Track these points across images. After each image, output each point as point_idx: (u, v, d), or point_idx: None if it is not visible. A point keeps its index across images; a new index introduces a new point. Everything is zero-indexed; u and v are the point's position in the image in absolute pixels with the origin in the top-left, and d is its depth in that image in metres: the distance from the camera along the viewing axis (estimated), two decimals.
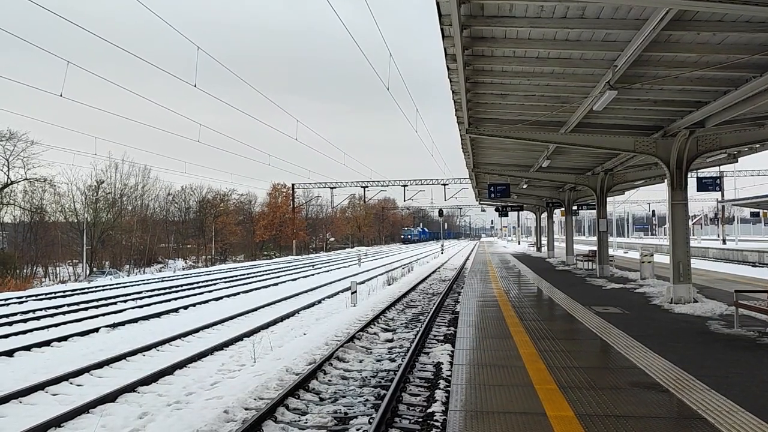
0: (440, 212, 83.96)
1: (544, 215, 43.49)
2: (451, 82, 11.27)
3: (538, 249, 48.13)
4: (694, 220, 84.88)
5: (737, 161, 19.49)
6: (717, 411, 5.56)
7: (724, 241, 57.88)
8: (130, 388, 9.22)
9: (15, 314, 18.93)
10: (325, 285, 27.59)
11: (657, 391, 6.32)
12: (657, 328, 10.28)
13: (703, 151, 13.61)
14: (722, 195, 58.35)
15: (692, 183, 17.32)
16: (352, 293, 19.25)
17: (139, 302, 21.88)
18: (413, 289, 24.00)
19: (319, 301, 20.87)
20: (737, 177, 64.71)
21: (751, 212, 76.41)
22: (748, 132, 13.41)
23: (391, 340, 12.99)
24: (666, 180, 13.79)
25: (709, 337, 9.44)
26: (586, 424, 5.29)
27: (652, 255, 20.30)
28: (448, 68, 10.30)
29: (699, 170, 25.13)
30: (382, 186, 75.82)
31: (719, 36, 8.53)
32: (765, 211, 68.23)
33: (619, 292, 16.32)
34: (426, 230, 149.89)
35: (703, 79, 10.36)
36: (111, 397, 8.72)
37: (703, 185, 21.08)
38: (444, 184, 71.68)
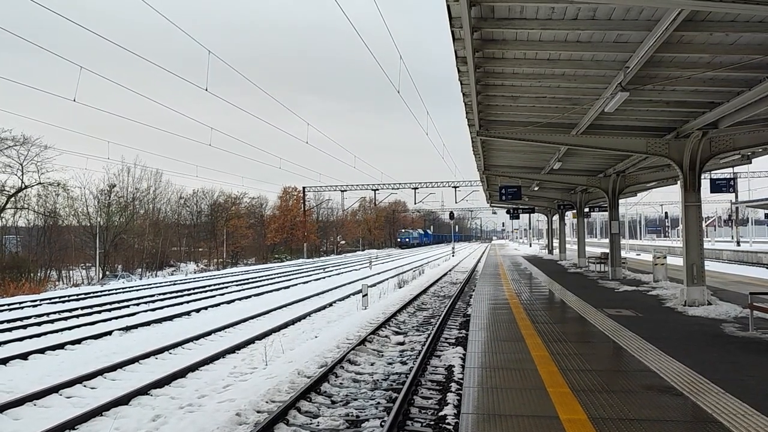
0: (451, 215, 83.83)
1: (556, 217, 43.31)
2: (461, 84, 11.27)
3: (550, 251, 47.90)
4: (707, 222, 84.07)
5: (751, 162, 19.33)
6: (732, 414, 5.51)
7: (738, 243, 57.24)
8: (144, 390, 9.27)
9: (29, 317, 19.11)
10: (336, 288, 27.62)
11: (671, 394, 6.27)
12: (670, 331, 10.21)
13: (716, 153, 13.52)
14: (736, 196, 57.74)
15: (705, 184, 17.16)
16: (363, 296, 19.26)
17: (152, 305, 22.00)
18: (424, 291, 23.96)
19: (330, 304, 20.89)
20: (751, 178, 64.10)
21: (765, 214, 75.56)
22: (763, 133, 13.29)
23: (402, 343, 12.98)
24: (679, 181, 13.70)
25: (723, 340, 9.36)
26: (599, 427, 5.26)
27: (665, 257, 20.16)
28: (459, 71, 10.29)
29: (712, 171, 24.92)
30: (392, 188, 75.83)
31: (732, 36, 8.47)
32: None
33: (632, 294, 16.21)
34: (429, 232, 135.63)
35: (716, 80, 10.29)
36: (124, 400, 8.78)
37: (717, 187, 20.86)
38: (455, 187, 71.57)
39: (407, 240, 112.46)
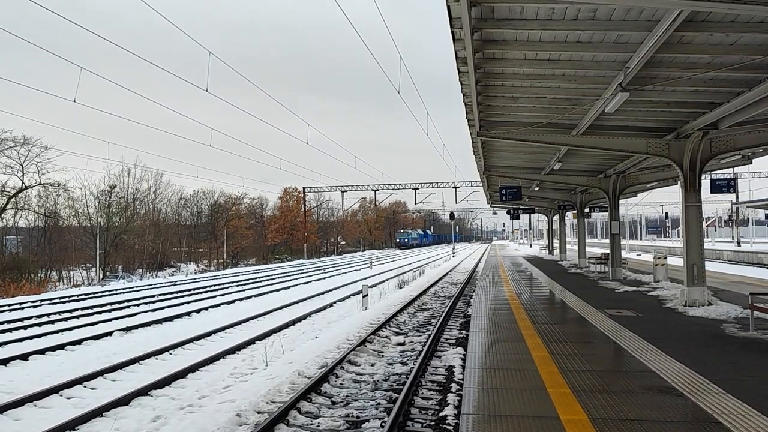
0: (451, 215, 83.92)
1: (556, 218, 43.30)
2: (461, 84, 11.27)
3: (550, 252, 47.89)
4: (707, 222, 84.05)
5: (751, 162, 19.34)
6: (733, 415, 5.51)
7: (738, 244, 57.23)
8: (144, 391, 9.27)
9: (30, 318, 19.11)
10: (336, 288, 27.62)
11: (671, 394, 6.27)
12: (671, 331, 10.21)
13: (716, 153, 13.52)
14: (736, 197, 57.78)
15: (706, 185, 17.18)
16: (363, 297, 19.25)
17: (152, 306, 22.01)
18: (425, 292, 23.96)
19: (331, 305, 20.89)
20: (752, 179, 64.14)
21: (766, 214, 75.61)
22: (763, 133, 13.30)
23: (402, 344, 12.98)
24: (679, 182, 13.70)
25: (724, 341, 9.36)
26: (600, 428, 5.26)
27: (666, 257, 20.15)
28: (459, 71, 10.29)
29: (713, 172, 24.93)
30: (392, 189, 75.81)
31: (732, 37, 8.48)
32: None
33: (633, 294, 16.21)
34: (428, 233, 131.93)
35: (717, 80, 10.29)
36: (125, 401, 8.78)
37: (717, 187, 20.90)
38: (455, 187, 71.57)
39: (406, 240, 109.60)
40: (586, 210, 33.50)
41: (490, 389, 6.65)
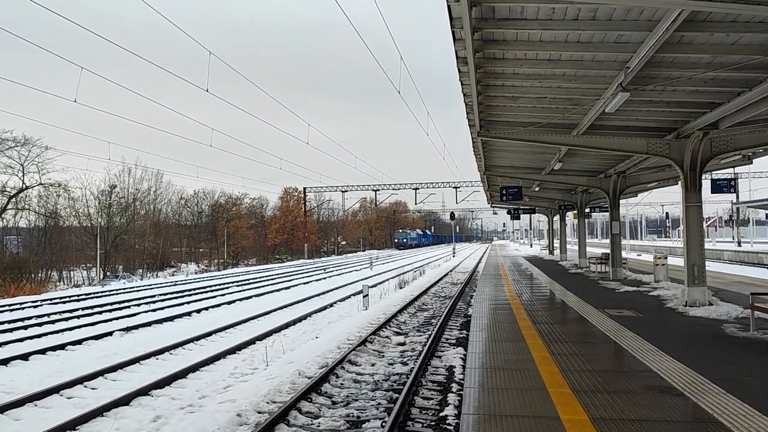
0: (452, 215, 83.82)
1: (557, 218, 43.30)
2: (462, 84, 11.27)
3: (551, 252, 47.90)
4: (708, 222, 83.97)
5: (752, 162, 19.34)
6: (733, 415, 5.51)
7: (739, 244, 57.21)
8: (144, 391, 9.27)
9: (30, 318, 19.11)
10: (336, 288, 27.62)
11: (672, 394, 6.27)
12: (671, 331, 10.21)
13: (717, 153, 13.52)
14: (737, 197, 57.74)
15: (706, 185, 17.18)
16: (363, 297, 19.25)
17: (153, 306, 22.01)
18: (425, 292, 23.94)
19: (331, 305, 20.89)
20: (752, 179, 64.18)
21: (766, 214, 75.55)
22: (763, 133, 13.29)
23: (403, 344, 12.97)
24: (680, 182, 13.71)
25: (724, 341, 9.36)
26: (600, 427, 5.26)
27: (666, 257, 20.14)
28: (459, 71, 10.30)
29: (713, 172, 24.93)
30: (393, 189, 75.85)
31: (733, 37, 8.48)
32: None
33: (633, 294, 16.21)
34: (428, 232, 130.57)
35: (717, 80, 10.29)
36: (125, 401, 8.77)
37: (718, 187, 20.90)
38: (455, 187, 71.58)
39: (405, 240, 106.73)
40: (587, 210, 33.50)
41: (491, 389, 6.66)
